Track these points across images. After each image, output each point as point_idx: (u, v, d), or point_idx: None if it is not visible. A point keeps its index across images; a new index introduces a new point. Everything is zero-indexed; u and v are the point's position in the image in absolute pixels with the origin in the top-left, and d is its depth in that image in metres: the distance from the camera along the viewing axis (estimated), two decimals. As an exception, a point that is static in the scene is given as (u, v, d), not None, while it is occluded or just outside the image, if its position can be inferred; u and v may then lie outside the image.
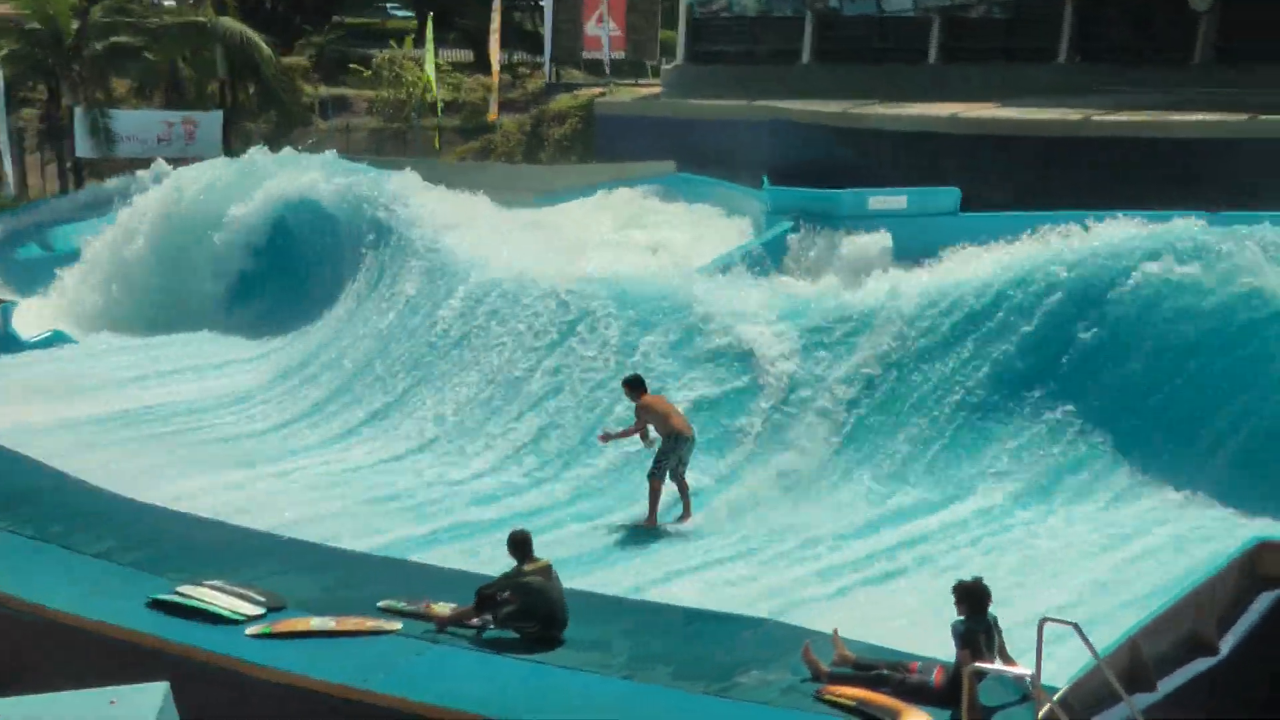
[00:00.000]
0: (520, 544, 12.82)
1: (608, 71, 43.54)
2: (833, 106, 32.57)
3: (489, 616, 12.68)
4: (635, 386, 18.47)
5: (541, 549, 13.06)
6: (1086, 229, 20.70)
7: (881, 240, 25.92)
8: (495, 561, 14.21)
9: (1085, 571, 16.05)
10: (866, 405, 19.94)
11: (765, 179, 29.10)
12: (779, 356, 20.71)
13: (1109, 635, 11.72)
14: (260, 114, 44.53)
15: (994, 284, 20.52)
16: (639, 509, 18.24)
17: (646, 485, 17.99)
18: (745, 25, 40.49)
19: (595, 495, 19.38)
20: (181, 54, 43.97)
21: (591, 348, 22.12)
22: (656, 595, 15.16)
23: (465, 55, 52.97)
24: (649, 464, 18.06)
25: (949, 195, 26.32)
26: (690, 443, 18.09)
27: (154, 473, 19.92)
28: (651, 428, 18.10)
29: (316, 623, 12.86)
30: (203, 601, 13.18)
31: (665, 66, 43.07)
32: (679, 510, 18.16)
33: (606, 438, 18.70)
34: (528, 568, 12.64)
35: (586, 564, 16.62)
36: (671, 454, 17.93)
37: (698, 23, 41.21)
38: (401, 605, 13.25)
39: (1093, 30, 33.25)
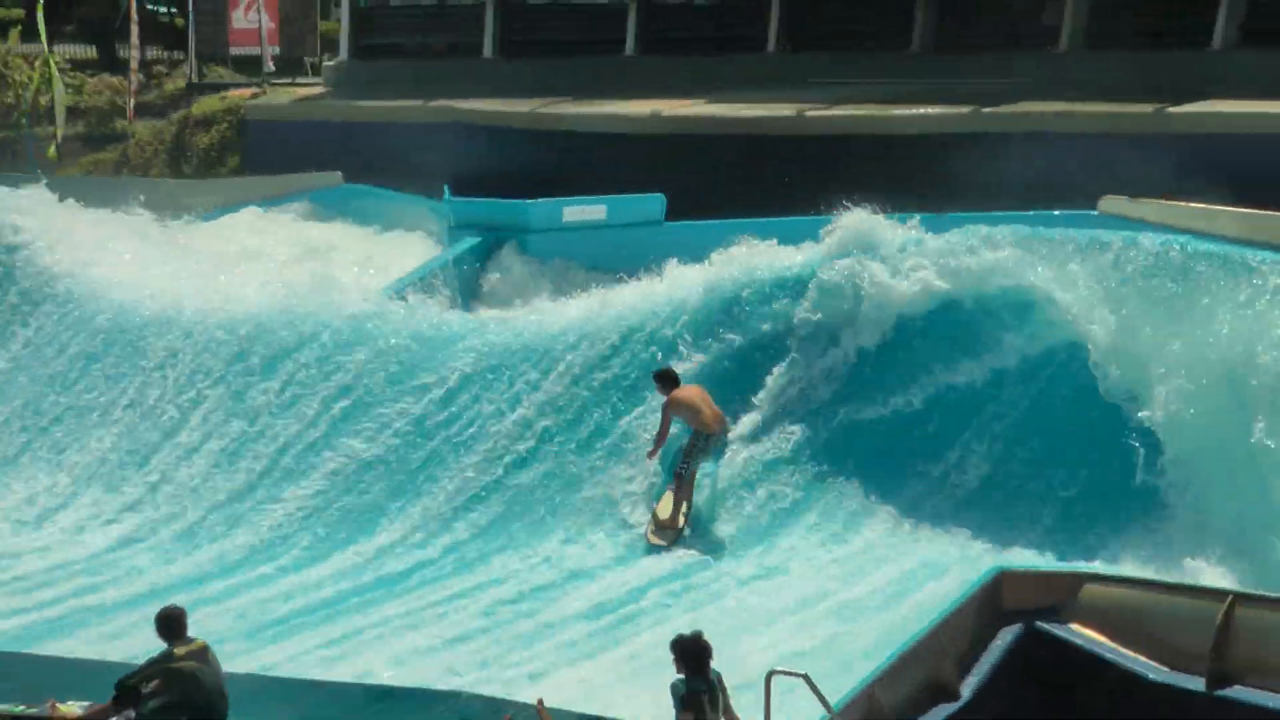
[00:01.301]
0: (170, 622, 12.45)
1: (263, 69, 42.84)
2: (520, 106, 32.67)
3: (132, 713, 12.24)
4: (666, 380, 19.07)
5: (196, 626, 12.74)
6: (812, 234, 21.28)
7: (578, 255, 26.10)
8: (140, 645, 13.77)
9: (814, 616, 16.44)
10: (562, 442, 20.11)
11: (446, 189, 29.00)
12: (457, 390, 20.77)
13: (844, 685, 12.00)
14: None
15: (705, 299, 20.93)
16: (321, 571, 18.01)
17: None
18: (419, 15, 40.32)
19: (269, 553, 19.11)
20: None
21: (253, 388, 21.78)
22: (343, 671, 14.95)
23: (86, 51, 51.36)
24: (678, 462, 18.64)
25: (653, 203, 26.62)
26: (721, 440, 18.78)
27: None
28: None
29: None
30: None
31: (328, 63, 42.55)
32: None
33: (654, 453, 19.04)
34: (179, 650, 12.30)
35: (255, 639, 16.36)
36: (701, 452, 18.62)
37: (364, 12, 40.88)
38: (19, 710, 12.73)
39: (804, 17, 34.10)
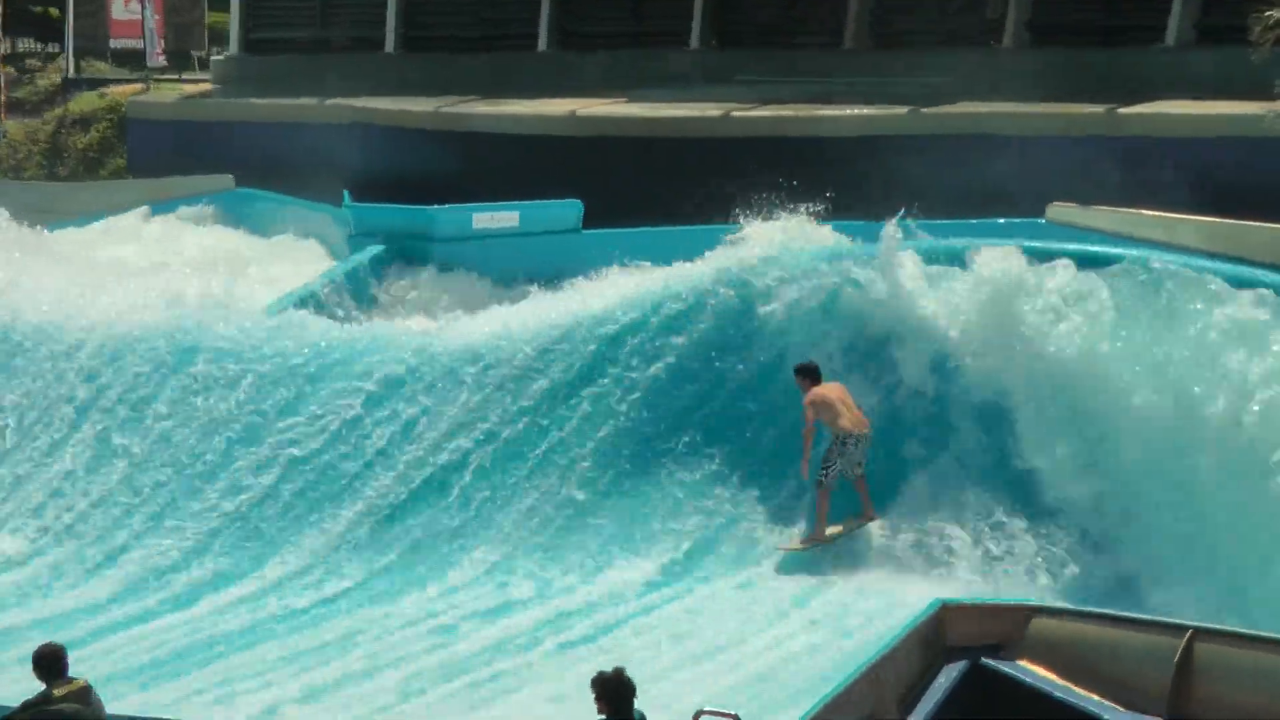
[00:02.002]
0: (48, 661, 12.23)
1: (147, 64, 42.50)
2: (426, 105, 32.61)
3: (6, 760, 12.12)
4: (809, 375, 18.78)
5: (79, 665, 12.56)
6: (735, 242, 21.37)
7: (488, 265, 26.05)
8: (16, 687, 13.58)
9: (745, 652, 16.45)
10: (475, 467, 20.10)
11: (346, 195, 28.87)
12: (358, 413, 20.72)
13: (776, 727, 12.01)
14: None
15: (625, 312, 20.95)
16: (212, 605, 17.88)
17: None
18: (315, 6, 40.16)
19: (156, 587, 19.02)
20: None
21: (132, 411, 21.60)
22: (236, 711, 14.82)
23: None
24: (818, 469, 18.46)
25: (569, 209, 26.60)
26: (865, 440, 18.54)
27: None
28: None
29: None
30: None
31: (216, 58, 42.36)
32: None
33: (806, 459, 18.69)
34: (58, 691, 12.09)
35: (141, 678, 16.27)
36: (840, 457, 18.41)
37: (255, 3, 40.69)
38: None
39: (730, 11, 34.25)
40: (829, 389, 18.86)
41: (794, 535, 18.84)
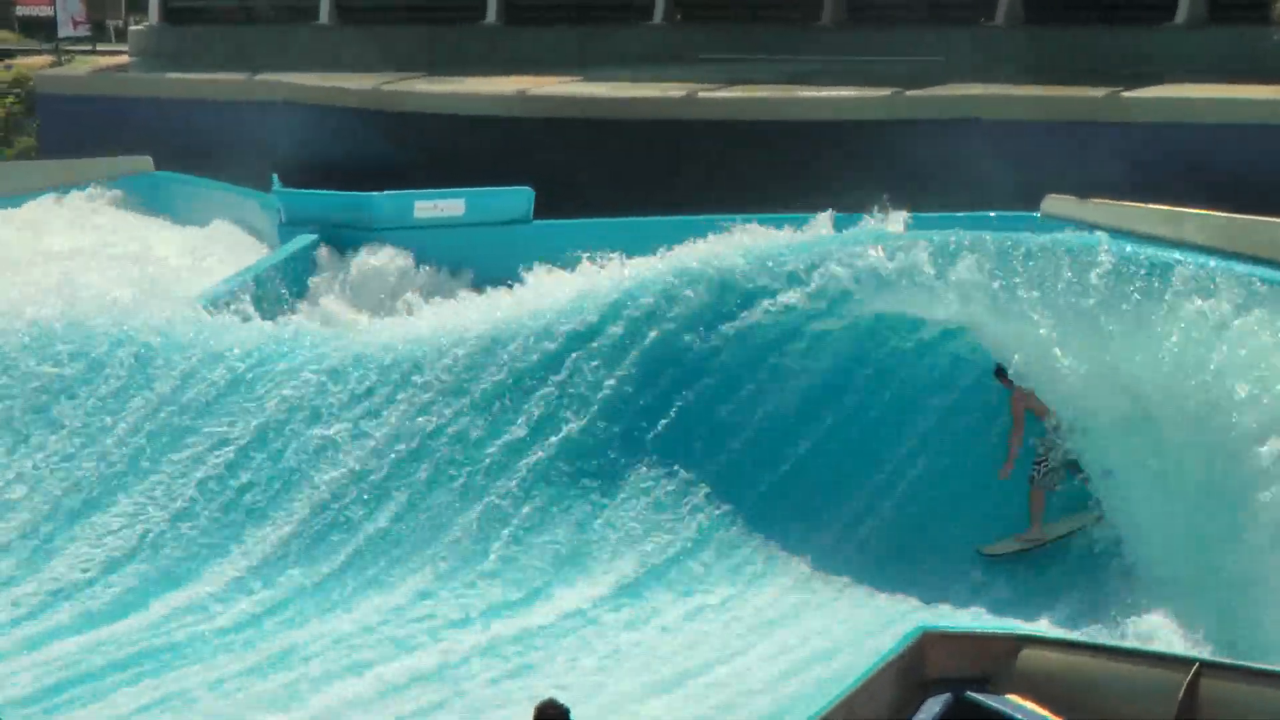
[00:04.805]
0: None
1: (58, 34, 42.34)
2: (363, 82, 32.52)
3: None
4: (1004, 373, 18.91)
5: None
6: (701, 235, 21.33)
7: (431, 256, 25.99)
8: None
9: (710, 682, 16.35)
10: (418, 474, 19.98)
11: (275, 179, 28.75)
12: (285, 417, 20.65)
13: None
14: None
15: (578, 312, 20.88)
16: (135, 621, 17.92)
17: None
18: (242, -28, 40.14)
19: (71, 599, 18.86)
20: None
21: (39, 411, 21.46)
22: None
23: None
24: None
25: (519, 197, 26.55)
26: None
27: None
28: None
29: None
30: None
31: (135, 28, 42.21)
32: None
33: (1009, 466, 18.77)
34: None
35: (55, 698, 16.36)
36: (1054, 447, 18.55)
37: (177, -31, 40.61)
38: None
39: (696, -17, 34.32)
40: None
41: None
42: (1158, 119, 24.49)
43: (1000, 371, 19.16)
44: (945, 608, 17.45)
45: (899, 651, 13.30)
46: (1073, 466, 18.67)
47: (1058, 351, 18.13)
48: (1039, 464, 18.72)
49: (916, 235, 20.27)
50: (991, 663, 13.14)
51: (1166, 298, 17.93)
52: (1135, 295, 18.07)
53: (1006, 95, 26.22)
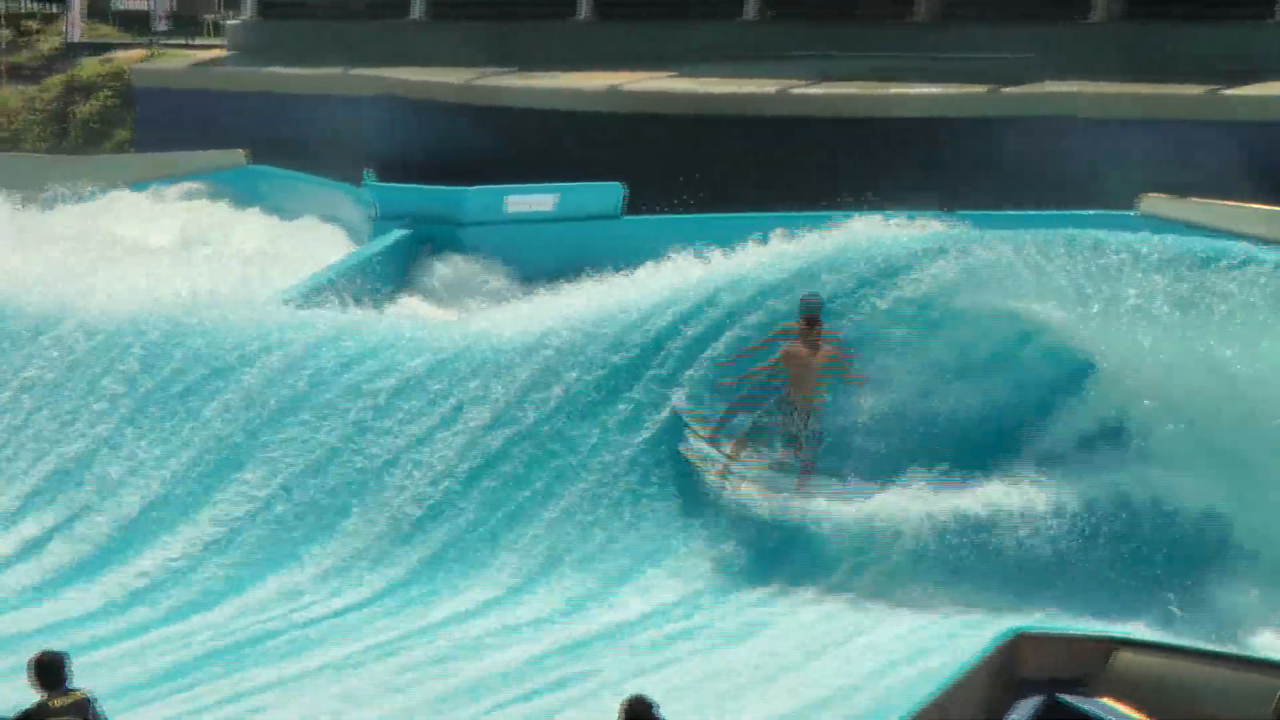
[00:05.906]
0: (47, 669, 12.30)
1: (153, 28, 42.64)
2: (455, 77, 32.61)
3: (-6, 777, 12.19)
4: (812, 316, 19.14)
5: (85, 674, 12.66)
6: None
7: (522, 252, 26.08)
8: (13, 695, 13.58)
9: (799, 681, 16.40)
10: (508, 469, 20.09)
11: (368, 174, 28.91)
12: (384, 408, 20.78)
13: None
14: None
15: (671, 307, 20.93)
16: (228, 612, 18.22)
17: None
18: (336, -32, 40.32)
19: (167, 592, 19.19)
20: None
21: (137, 404, 21.73)
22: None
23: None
24: None
25: (610, 192, 26.58)
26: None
27: None
28: None
29: None
30: None
31: (230, 22, 42.48)
32: None
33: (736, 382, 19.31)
34: (56, 702, 12.16)
35: (149, 691, 16.43)
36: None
37: (272, -36, 40.85)
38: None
39: (789, -21, 34.23)
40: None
41: None
42: (1258, 117, 24.28)
43: (812, 310, 19.18)
44: (1039, 608, 17.34)
45: (992, 651, 13.29)
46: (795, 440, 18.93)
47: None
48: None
49: (1015, 232, 20.18)
50: (1085, 664, 13.09)
51: None
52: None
53: (1104, 93, 26.03)
